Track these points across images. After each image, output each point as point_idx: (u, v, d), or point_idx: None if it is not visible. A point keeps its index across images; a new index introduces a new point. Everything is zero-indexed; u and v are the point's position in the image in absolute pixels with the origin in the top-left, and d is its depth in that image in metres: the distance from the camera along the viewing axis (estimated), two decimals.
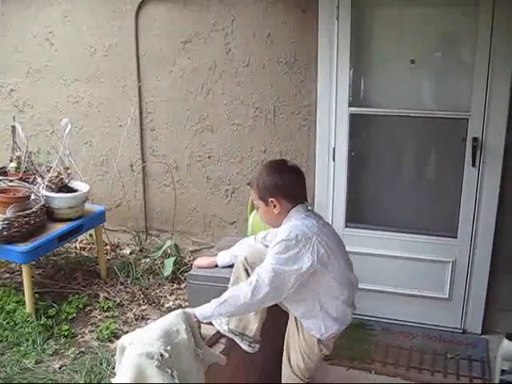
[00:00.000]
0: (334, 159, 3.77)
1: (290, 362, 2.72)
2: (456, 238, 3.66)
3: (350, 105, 3.68)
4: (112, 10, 4.12)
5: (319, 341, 2.61)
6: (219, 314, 2.49)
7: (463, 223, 3.62)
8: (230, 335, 2.71)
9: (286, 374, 2.75)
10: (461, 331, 3.75)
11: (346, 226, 3.86)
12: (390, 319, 3.86)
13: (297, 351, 2.68)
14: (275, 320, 2.83)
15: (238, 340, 2.71)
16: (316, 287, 2.51)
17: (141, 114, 4.21)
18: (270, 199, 2.53)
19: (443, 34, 3.70)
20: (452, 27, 3.66)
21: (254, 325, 2.71)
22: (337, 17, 3.57)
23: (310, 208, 2.62)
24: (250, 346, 2.71)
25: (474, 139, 3.48)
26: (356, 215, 3.90)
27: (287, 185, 2.55)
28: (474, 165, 3.52)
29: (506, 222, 3.54)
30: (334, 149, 3.76)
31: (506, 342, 3.10)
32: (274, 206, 2.53)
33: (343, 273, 2.58)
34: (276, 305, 2.63)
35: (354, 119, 3.72)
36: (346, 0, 3.54)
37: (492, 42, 3.32)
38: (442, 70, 3.74)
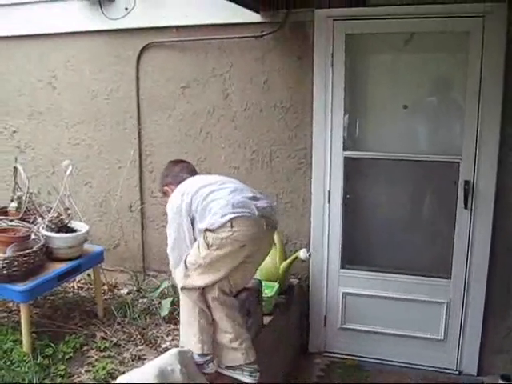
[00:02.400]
0: (329, 202, 3.85)
1: (185, 262, 2.88)
2: (450, 278, 3.71)
3: (345, 148, 3.78)
4: (114, 55, 4.26)
5: (221, 228, 2.76)
6: None
7: (457, 264, 3.68)
8: (229, 373, 2.73)
9: (177, 273, 2.95)
10: (456, 372, 3.77)
11: (342, 268, 3.91)
12: (385, 360, 3.88)
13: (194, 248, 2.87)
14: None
15: (238, 375, 2.73)
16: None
17: (140, 156, 4.31)
18: (164, 188, 3.29)
19: (435, 79, 3.83)
20: (444, 73, 3.79)
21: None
22: (331, 64, 3.70)
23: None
24: (251, 375, 2.77)
25: (466, 182, 3.57)
26: (351, 257, 3.95)
27: (167, 173, 3.29)
28: (466, 207, 3.60)
29: (498, 262, 3.60)
30: (329, 191, 3.84)
31: (501, 382, 3.12)
32: (169, 192, 3.17)
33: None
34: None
35: (348, 162, 3.81)
36: (340, 47, 3.69)
37: (481, 87, 3.45)
38: (434, 114, 3.85)
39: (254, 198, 2.87)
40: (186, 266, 2.87)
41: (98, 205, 4.51)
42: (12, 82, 4.64)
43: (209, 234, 2.76)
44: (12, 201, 4.06)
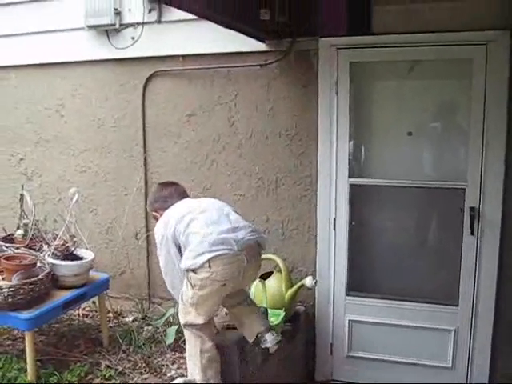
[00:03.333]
0: (334, 229, 3.85)
1: (181, 298, 2.95)
2: (457, 306, 3.68)
3: (350, 175, 3.79)
4: (121, 84, 4.31)
5: (200, 268, 2.78)
6: None
7: (464, 291, 3.65)
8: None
9: (179, 308, 3.00)
10: None
11: (348, 295, 3.89)
12: None
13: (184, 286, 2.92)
14: None
15: (267, 343, 3.06)
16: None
17: (146, 183, 4.33)
18: (153, 213, 3.28)
19: (439, 105, 3.85)
20: (448, 99, 3.82)
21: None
22: (336, 91, 3.73)
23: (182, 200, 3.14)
24: (273, 334, 3.07)
25: (472, 209, 3.56)
26: (357, 284, 3.93)
27: (156, 198, 3.25)
28: (472, 234, 3.58)
29: (506, 289, 3.56)
30: (334, 218, 3.84)
31: None
32: (158, 217, 3.14)
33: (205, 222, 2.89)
34: None
35: (354, 189, 3.82)
36: (344, 75, 3.72)
37: (485, 113, 3.47)
38: (439, 140, 3.87)
39: (234, 230, 2.86)
40: (183, 301, 2.91)
41: (103, 232, 4.52)
42: (20, 110, 4.70)
43: (191, 274, 2.79)
44: (18, 228, 4.08)
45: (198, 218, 2.90)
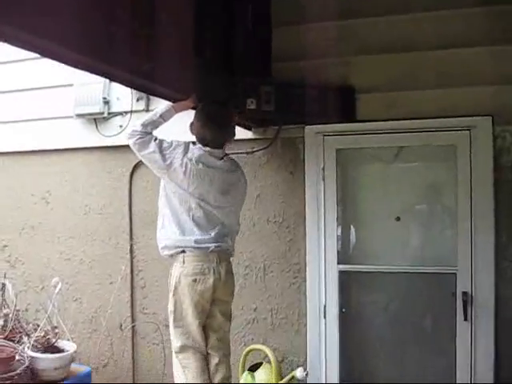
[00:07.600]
0: (325, 316, 3.76)
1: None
2: None
3: (339, 262, 3.75)
4: (108, 171, 4.32)
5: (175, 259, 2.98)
6: None
7: (461, 378, 3.53)
8: None
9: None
10: None
11: None
12: None
13: None
14: None
15: None
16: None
17: (132, 271, 4.25)
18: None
19: (427, 188, 3.86)
20: (434, 182, 3.84)
21: None
22: (323, 178, 3.75)
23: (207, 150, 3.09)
24: None
25: (464, 293, 3.50)
26: (351, 374, 3.81)
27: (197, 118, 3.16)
28: (465, 319, 3.51)
29: (503, 376, 3.45)
30: (324, 306, 3.76)
31: None
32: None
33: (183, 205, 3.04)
34: None
35: (343, 276, 3.76)
36: (330, 162, 3.76)
37: (472, 195, 3.48)
38: (428, 224, 3.87)
39: (210, 229, 2.99)
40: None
41: (87, 321, 4.39)
42: (6, 197, 4.67)
43: (173, 272, 2.94)
44: None
45: (188, 200, 3.01)
